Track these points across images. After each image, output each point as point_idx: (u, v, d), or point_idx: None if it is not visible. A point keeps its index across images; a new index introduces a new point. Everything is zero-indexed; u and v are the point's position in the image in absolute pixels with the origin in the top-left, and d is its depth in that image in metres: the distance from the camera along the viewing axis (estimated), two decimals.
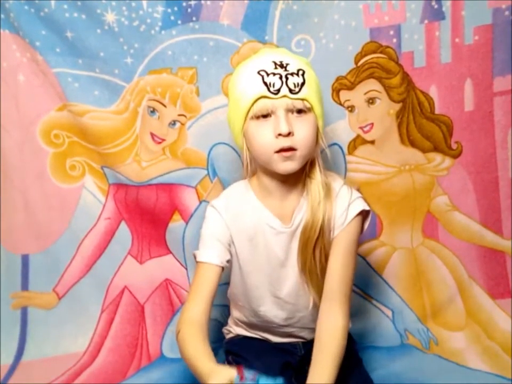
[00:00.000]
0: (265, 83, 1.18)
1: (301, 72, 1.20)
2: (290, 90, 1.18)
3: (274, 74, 1.19)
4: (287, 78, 1.18)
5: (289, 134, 1.18)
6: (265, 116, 1.20)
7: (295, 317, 1.38)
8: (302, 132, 1.20)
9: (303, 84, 1.19)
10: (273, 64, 1.20)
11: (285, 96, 1.18)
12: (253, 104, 1.21)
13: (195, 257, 1.33)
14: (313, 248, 1.28)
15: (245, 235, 1.32)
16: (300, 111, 1.21)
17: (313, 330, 1.34)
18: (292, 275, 1.34)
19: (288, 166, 1.21)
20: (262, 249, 1.33)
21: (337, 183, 1.33)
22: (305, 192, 1.30)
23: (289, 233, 1.30)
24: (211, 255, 1.30)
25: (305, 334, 1.41)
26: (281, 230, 1.30)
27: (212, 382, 1.04)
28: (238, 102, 1.24)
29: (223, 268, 1.30)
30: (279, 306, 1.37)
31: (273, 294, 1.36)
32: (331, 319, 1.24)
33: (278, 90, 1.18)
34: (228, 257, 1.32)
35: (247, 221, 1.32)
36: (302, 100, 1.20)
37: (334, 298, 1.25)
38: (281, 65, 1.20)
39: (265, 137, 1.20)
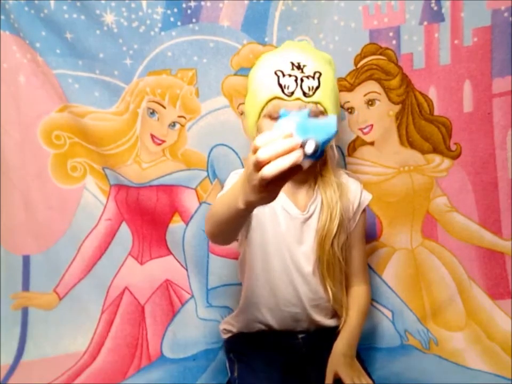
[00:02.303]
0: (280, 85, 1.22)
1: (317, 75, 1.24)
2: (304, 94, 1.22)
3: (290, 75, 1.22)
4: (302, 81, 1.22)
5: None
6: (277, 117, 1.19)
7: (299, 306, 1.39)
8: None
9: (317, 87, 1.22)
10: (290, 64, 1.24)
11: (298, 99, 1.22)
12: (266, 103, 1.25)
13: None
14: (332, 240, 1.34)
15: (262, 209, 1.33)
16: (313, 114, 1.22)
17: (314, 322, 1.41)
18: (302, 264, 1.36)
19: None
20: (271, 226, 1.35)
21: (343, 176, 1.43)
22: (317, 186, 1.35)
23: (302, 220, 1.34)
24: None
25: (309, 325, 1.43)
26: (296, 215, 1.34)
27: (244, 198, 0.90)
28: (253, 98, 1.29)
29: None
30: (286, 289, 1.38)
31: (282, 274, 1.37)
32: (358, 287, 1.47)
33: (292, 93, 1.22)
34: None
35: None
36: (316, 103, 1.23)
37: (360, 276, 1.47)
38: (298, 67, 1.23)
39: None
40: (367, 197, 1.45)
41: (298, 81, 1.22)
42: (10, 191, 1.82)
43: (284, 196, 1.34)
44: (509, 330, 1.69)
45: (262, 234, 1.35)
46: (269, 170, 0.77)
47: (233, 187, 0.95)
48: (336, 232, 1.33)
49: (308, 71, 1.23)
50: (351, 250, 1.44)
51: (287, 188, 1.35)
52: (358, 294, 1.47)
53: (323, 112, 1.25)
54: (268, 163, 0.77)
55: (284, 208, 1.34)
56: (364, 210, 1.45)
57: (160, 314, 1.82)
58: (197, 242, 1.75)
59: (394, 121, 1.67)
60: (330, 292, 1.37)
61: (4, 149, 1.79)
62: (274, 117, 1.24)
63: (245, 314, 1.47)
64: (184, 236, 1.77)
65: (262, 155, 0.77)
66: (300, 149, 0.77)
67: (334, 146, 1.35)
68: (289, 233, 1.35)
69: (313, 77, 1.23)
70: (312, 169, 1.35)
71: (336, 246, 1.35)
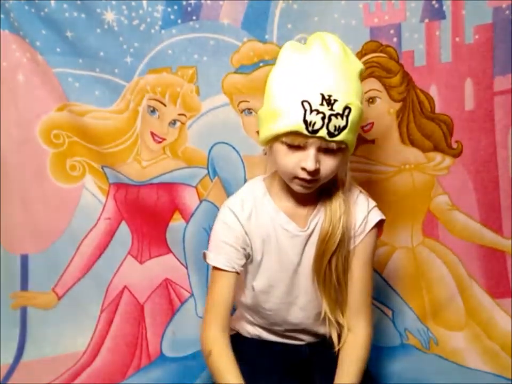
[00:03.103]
0: (305, 121, 1.09)
1: (346, 112, 1.10)
2: (329, 133, 1.09)
3: (318, 112, 1.08)
4: (329, 120, 1.09)
5: (314, 171, 1.13)
6: (295, 147, 1.13)
7: (303, 324, 1.37)
8: (328, 167, 1.15)
9: (344, 127, 1.10)
10: (320, 97, 1.09)
11: (321, 137, 1.10)
12: (286, 133, 1.13)
13: (204, 257, 1.29)
14: (330, 257, 1.26)
15: (259, 237, 1.28)
16: (332, 150, 1.14)
17: (317, 335, 1.39)
18: (303, 281, 1.32)
19: (304, 190, 1.19)
20: (274, 253, 1.30)
21: (353, 191, 1.31)
22: (322, 199, 1.27)
23: (304, 236, 1.28)
24: (226, 261, 1.25)
25: (309, 338, 1.41)
26: (297, 233, 1.27)
27: None
28: (272, 117, 1.15)
29: (238, 273, 1.27)
30: (288, 311, 1.35)
31: (283, 299, 1.34)
32: (357, 329, 1.30)
33: (317, 131, 1.09)
34: (243, 261, 1.28)
35: (261, 222, 1.28)
36: (339, 142, 1.12)
37: (359, 309, 1.31)
38: (329, 102, 1.09)
39: (290, 164, 1.15)
40: (374, 218, 1.30)
41: (326, 119, 1.08)
42: (9, 190, 1.82)
43: (282, 215, 1.28)
44: (509, 330, 1.70)
45: (253, 268, 1.33)
46: None
47: None
48: (336, 249, 1.25)
49: (338, 107, 1.09)
50: (349, 277, 1.31)
51: (288, 205, 1.28)
52: (356, 343, 1.30)
53: (343, 149, 1.15)
54: None
55: (284, 228, 1.28)
56: (373, 233, 1.31)
57: (160, 313, 1.82)
58: (197, 240, 1.75)
59: (395, 119, 1.67)
60: (323, 308, 1.31)
61: (4, 148, 1.79)
62: (292, 146, 1.14)
63: (243, 321, 1.46)
64: (184, 234, 1.77)
65: None
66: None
67: (348, 168, 1.26)
68: (292, 252, 1.30)
69: (341, 115, 1.10)
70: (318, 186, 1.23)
71: (334, 263, 1.27)
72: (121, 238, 1.83)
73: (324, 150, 1.13)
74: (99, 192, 1.82)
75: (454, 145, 1.67)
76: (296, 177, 1.16)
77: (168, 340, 1.79)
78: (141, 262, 1.83)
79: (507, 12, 1.57)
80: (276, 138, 1.15)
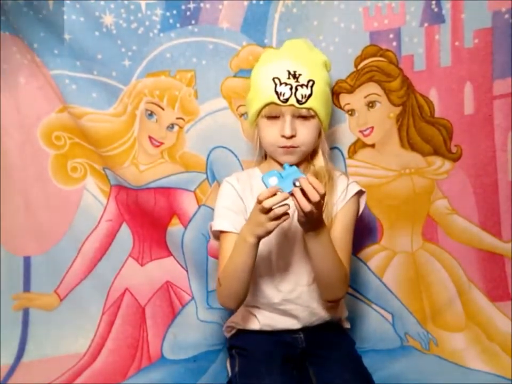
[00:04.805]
0: (276, 92, 1.35)
1: (310, 84, 1.35)
2: (298, 101, 1.34)
3: (286, 84, 1.34)
4: (296, 89, 1.34)
5: (291, 137, 1.35)
6: (274, 117, 1.37)
7: (295, 291, 1.43)
8: (304, 133, 1.37)
9: (310, 95, 1.35)
10: (287, 73, 1.35)
11: (292, 105, 1.34)
12: (264, 106, 1.38)
13: (211, 228, 1.46)
14: None
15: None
16: (304, 117, 1.37)
17: (313, 312, 1.44)
18: (294, 247, 1.42)
19: (289, 158, 1.39)
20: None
21: (336, 170, 1.51)
22: (309, 173, 1.41)
23: (293, 205, 1.34)
24: (228, 223, 1.41)
25: (307, 315, 1.44)
26: (287, 201, 1.33)
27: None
28: (253, 98, 1.41)
29: None
30: (281, 277, 1.43)
31: (277, 266, 1.42)
32: None
33: (287, 99, 1.34)
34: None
35: (255, 194, 1.34)
36: (308, 109, 1.36)
37: None
38: (294, 76, 1.35)
39: (272, 135, 1.38)
40: (354, 188, 1.46)
41: (293, 89, 1.34)
42: (11, 192, 1.82)
43: None
44: (508, 332, 1.70)
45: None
46: (272, 214, 1.19)
47: (235, 244, 1.30)
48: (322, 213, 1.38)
49: (302, 79, 1.35)
50: (331, 232, 1.41)
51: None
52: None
53: (314, 116, 1.37)
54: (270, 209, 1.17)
55: None
56: (354, 201, 1.45)
57: (161, 315, 1.83)
58: (196, 246, 1.76)
59: (395, 123, 1.66)
60: (311, 277, 1.42)
61: (5, 150, 1.80)
62: (270, 117, 1.38)
63: (245, 311, 1.50)
64: (183, 239, 1.77)
65: (266, 205, 1.17)
66: (288, 199, 1.18)
67: (325, 140, 1.44)
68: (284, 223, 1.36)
69: (306, 86, 1.35)
70: (303, 158, 1.44)
71: None
72: (122, 240, 1.84)
73: (297, 117, 1.37)
74: (100, 194, 1.83)
75: (454, 150, 1.66)
76: (279, 147, 1.38)
77: (169, 342, 1.80)
78: (142, 264, 1.84)
79: (506, 16, 1.55)
80: (258, 114, 1.40)
